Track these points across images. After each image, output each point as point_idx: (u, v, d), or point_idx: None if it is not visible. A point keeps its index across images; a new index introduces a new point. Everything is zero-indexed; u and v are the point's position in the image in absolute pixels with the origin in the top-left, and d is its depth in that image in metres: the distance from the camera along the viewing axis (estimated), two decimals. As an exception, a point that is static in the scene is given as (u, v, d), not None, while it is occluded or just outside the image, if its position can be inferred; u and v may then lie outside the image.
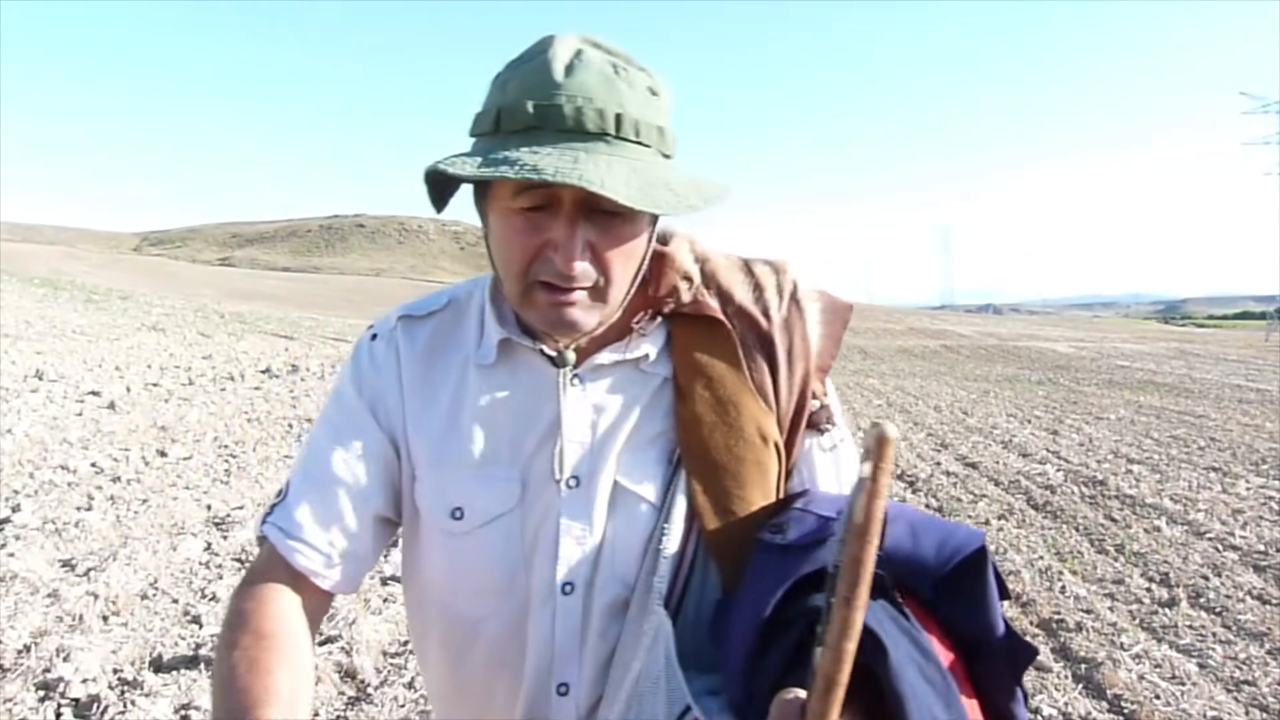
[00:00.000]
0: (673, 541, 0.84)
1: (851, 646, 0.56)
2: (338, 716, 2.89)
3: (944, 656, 0.75)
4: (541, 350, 0.87)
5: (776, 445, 0.89)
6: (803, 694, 0.62)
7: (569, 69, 0.76)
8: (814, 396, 0.92)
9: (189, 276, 55.11)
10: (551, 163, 0.72)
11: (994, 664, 0.78)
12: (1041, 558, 4.79)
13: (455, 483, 0.87)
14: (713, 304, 0.91)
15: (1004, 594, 0.80)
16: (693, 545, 0.86)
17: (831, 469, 0.94)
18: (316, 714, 2.90)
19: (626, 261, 0.82)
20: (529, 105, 0.75)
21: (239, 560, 4.25)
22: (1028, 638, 3.76)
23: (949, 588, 0.79)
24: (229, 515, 4.96)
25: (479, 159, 0.75)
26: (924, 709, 0.67)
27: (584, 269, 0.78)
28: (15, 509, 4.81)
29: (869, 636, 0.70)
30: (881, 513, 0.54)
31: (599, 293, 0.81)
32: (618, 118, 0.76)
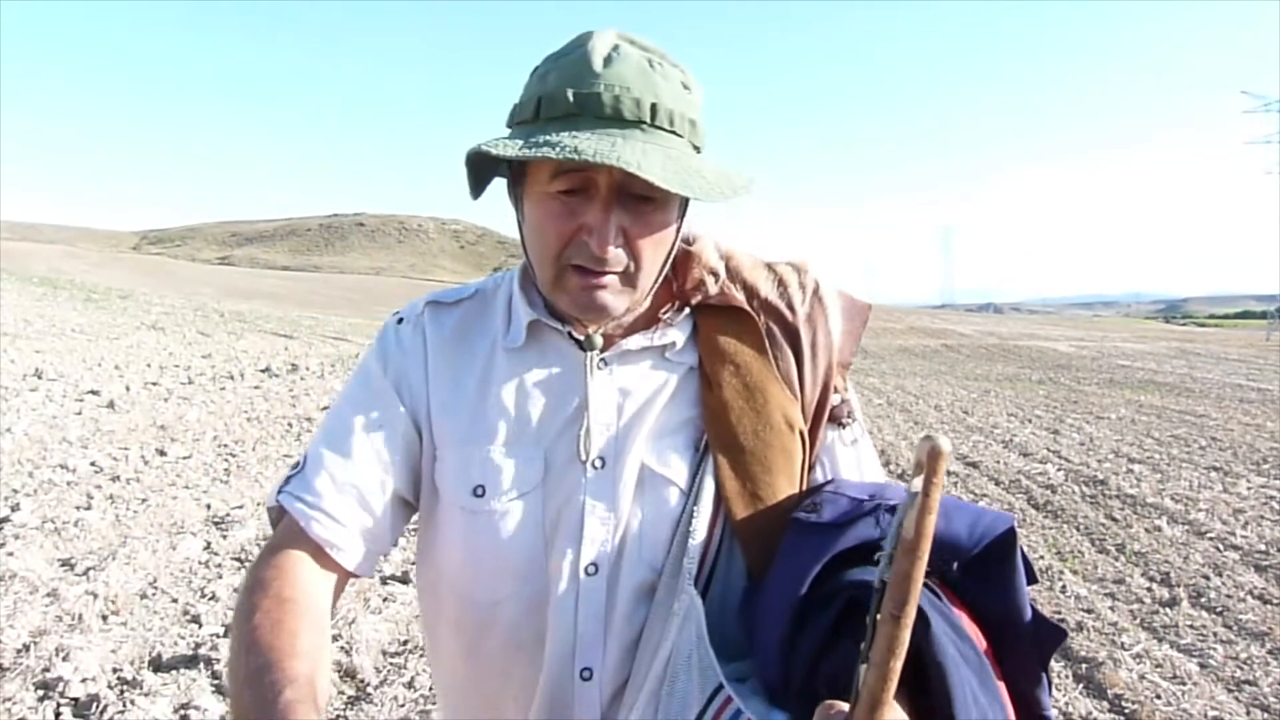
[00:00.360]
0: (701, 524, 0.85)
1: (898, 665, 0.55)
2: (337, 716, 2.88)
3: (975, 637, 0.75)
4: (570, 334, 0.89)
5: (802, 433, 0.90)
6: (845, 707, 0.61)
7: (607, 60, 0.80)
8: (835, 391, 0.94)
9: (188, 275, 55.12)
10: (591, 145, 0.74)
11: (1020, 647, 0.78)
12: (1042, 557, 4.78)
13: (479, 461, 0.87)
14: (739, 296, 0.93)
15: (1031, 578, 0.80)
16: (720, 530, 0.86)
17: (853, 463, 0.95)
18: (316, 714, 2.90)
19: (657, 248, 0.84)
20: (569, 93, 0.78)
21: (239, 560, 4.24)
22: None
23: (976, 570, 0.79)
24: (228, 514, 4.95)
25: (520, 142, 0.77)
26: (964, 682, 0.67)
27: (616, 254, 0.81)
28: (15, 508, 4.80)
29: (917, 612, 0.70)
30: (932, 529, 0.53)
31: (629, 278, 0.83)
32: (653, 107, 0.79)
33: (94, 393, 8.93)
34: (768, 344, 0.91)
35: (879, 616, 0.55)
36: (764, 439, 0.87)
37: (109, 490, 5.37)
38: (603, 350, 0.89)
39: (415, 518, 0.96)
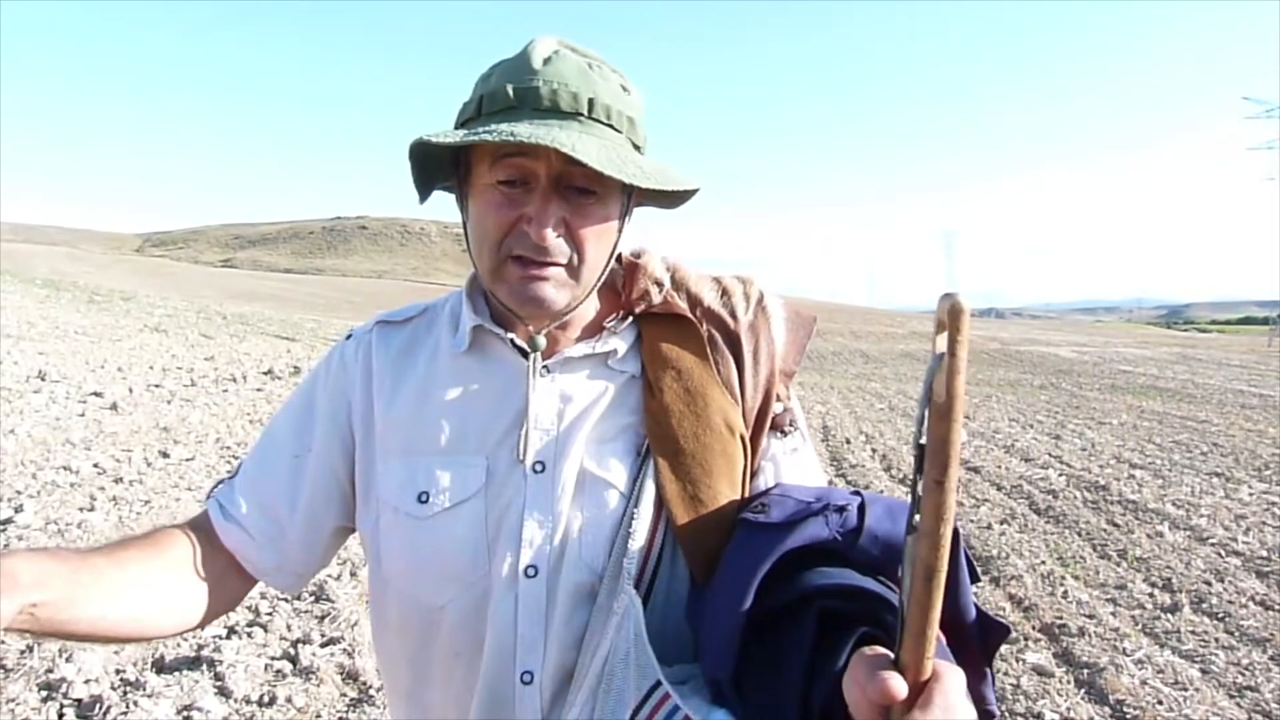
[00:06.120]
0: (642, 526, 0.85)
1: (948, 531, 0.54)
2: (340, 718, 2.89)
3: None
4: (512, 340, 0.90)
5: (742, 438, 0.91)
6: (882, 650, 0.61)
7: (547, 60, 0.83)
8: (778, 399, 0.94)
9: (191, 278, 55.22)
10: (527, 130, 0.77)
11: (966, 645, 0.78)
12: (1044, 562, 4.78)
13: (423, 468, 0.88)
14: (682, 304, 0.94)
15: (974, 577, 0.81)
16: (661, 533, 0.86)
17: (796, 469, 0.95)
18: (319, 716, 2.90)
19: (599, 241, 0.85)
20: (509, 89, 0.82)
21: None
22: (1030, 642, 3.73)
23: None
24: (231, 516, 4.96)
25: (461, 132, 0.81)
26: None
27: (557, 244, 0.83)
28: (18, 509, 4.81)
29: (888, 608, 0.71)
30: (963, 389, 0.52)
31: (573, 271, 0.85)
32: (590, 101, 0.82)
33: (97, 394, 8.94)
34: (709, 350, 0.92)
35: (918, 482, 0.54)
36: (704, 442, 0.87)
37: (112, 492, 5.38)
38: (546, 357, 0.90)
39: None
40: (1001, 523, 5.66)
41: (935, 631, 0.56)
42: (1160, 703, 3.17)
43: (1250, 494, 6.60)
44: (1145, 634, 3.84)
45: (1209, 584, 4.47)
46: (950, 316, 0.50)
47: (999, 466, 7.58)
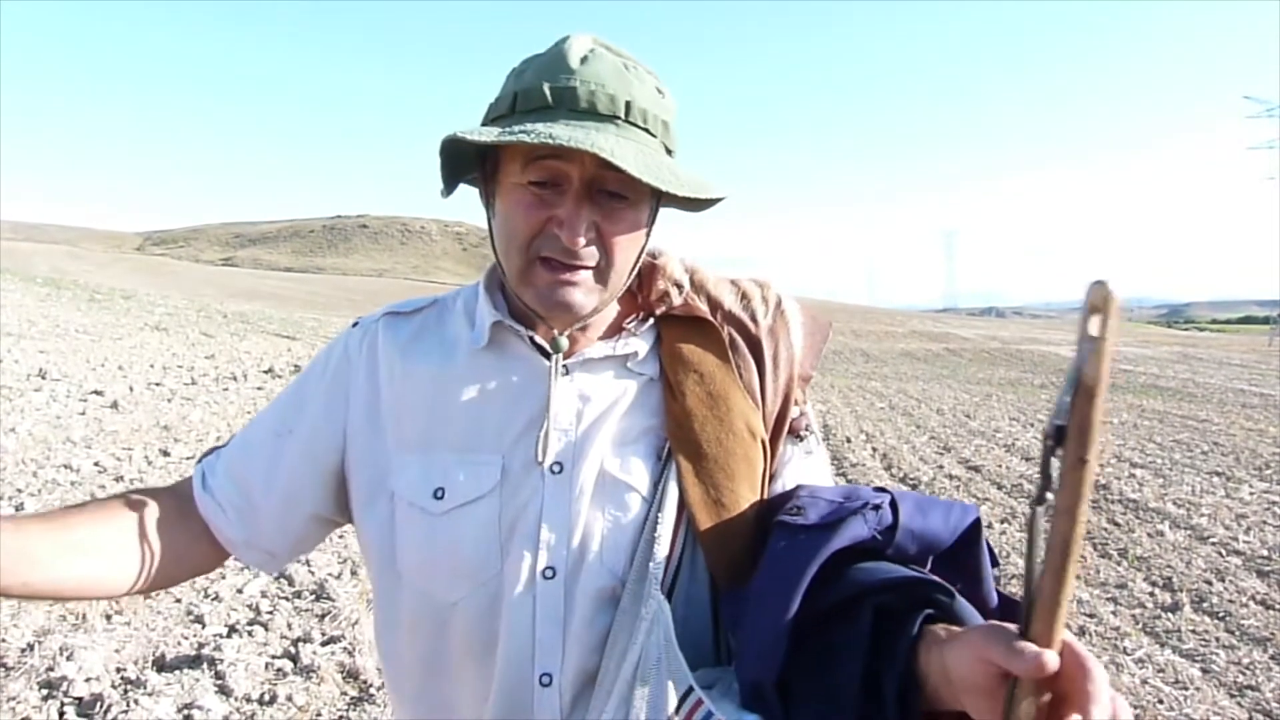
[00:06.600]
0: (665, 531, 0.84)
1: (1085, 508, 0.56)
2: (340, 717, 2.89)
3: None
4: (531, 338, 0.89)
5: (763, 442, 0.90)
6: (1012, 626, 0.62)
7: (584, 59, 0.82)
8: (795, 403, 0.94)
9: (192, 276, 55.23)
10: (566, 133, 0.76)
11: None
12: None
13: (439, 464, 0.87)
14: (703, 307, 0.94)
15: (994, 562, 0.83)
16: (683, 537, 0.86)
17: (812, 472, 0.95)
18: (319, 715, 2.90)
19: (629, 247, 0.85)
20: (545, 87, 0.80)
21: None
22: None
23: (947, 560, 0.81)
24: (232, 515, 4.96)
25: (496, 130, 0.79)
26: None
27: (588, 249, 0.82)
28: (19, 508, 4.82)
29: (939, 586, 0.72)
30: (1109, 373, 0.54)
31: (601, 274, 0.84)
32: (627, 104, 0.81)
33: (98, 393, 8.94)
34: (730, 353, 0.91)
35: (1052, 461, 0.56)
36: (727, 446, 0.87)
37: (112, 490, 5.38)
38: (565, 357, 0.89)
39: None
40: (1002, 521, 5.66)
41: (1067, 606, 0.58)
42: (1161, 702, 3.17)
43: (1251, 493, 6.60)
44: (1146, 633, 3.85)
45: (1209, 583, 4.47)
46: (1104, 301, 0.52)
47: (999, 465, 7.58)
